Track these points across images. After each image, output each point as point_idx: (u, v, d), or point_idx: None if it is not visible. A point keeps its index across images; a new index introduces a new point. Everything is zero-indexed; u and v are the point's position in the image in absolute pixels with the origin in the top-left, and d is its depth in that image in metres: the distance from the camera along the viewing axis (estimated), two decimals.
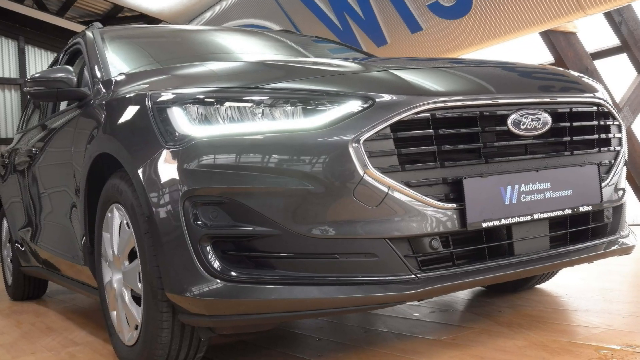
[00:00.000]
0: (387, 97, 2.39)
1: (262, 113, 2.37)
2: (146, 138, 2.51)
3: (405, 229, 2.33)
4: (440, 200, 2.38)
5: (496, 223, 2.45)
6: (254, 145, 2.33)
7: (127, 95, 2.81)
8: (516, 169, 2.53)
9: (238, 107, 2.39)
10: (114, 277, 2.89)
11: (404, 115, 2.36)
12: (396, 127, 2.36)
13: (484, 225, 2.42)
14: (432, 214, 2.35)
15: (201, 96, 2.45)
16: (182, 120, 2.43)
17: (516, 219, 2.49)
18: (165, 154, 2.43)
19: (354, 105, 2.37)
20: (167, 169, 2.41)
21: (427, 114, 2.40)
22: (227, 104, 2.40)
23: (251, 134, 2.35)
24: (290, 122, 2.37)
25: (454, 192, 2.40)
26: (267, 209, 2.30)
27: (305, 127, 2.35)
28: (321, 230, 2.30)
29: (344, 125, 2.33)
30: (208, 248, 2.34)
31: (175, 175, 2.37)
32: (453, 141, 2.45)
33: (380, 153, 2.33)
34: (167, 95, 2.54)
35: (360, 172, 2.30)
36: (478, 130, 2.47)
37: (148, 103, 2.57)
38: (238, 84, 2.57)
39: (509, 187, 2.48)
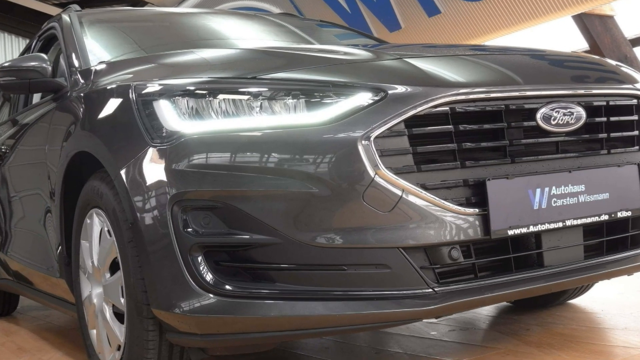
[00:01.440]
0: (401, 89, 2.39)
1: (261, 107, 2.38)
2: (130, 135, 2.52)
3: (422, 237, 2.32)
4: (460, 204, 2.37)
5: (524, 230, 2.44)
6: (251, 143, 2.33)
7: (109, 87, 2.82)
8: (546, 169, 2.53)
9: (233, 100, 2.39)
10: (93, 291, 2.90)
11: (420, 109, 2.36)
12: (411, 122, 2.36)
13: (510, 232, 2.42)
14: (452, 220, 2.35)
15: (192, 88, 2.45)
16: (170, 115, 2.43)
17: (546, 226, 2.48)
18: (151, 152, 2.43)
19: (364, 98, 2.38)
20: (154, 169, 2.41)
21: (446, 108, 2.40)
22: (220, 96, 2.40)
23: (248, 130, 2.35)
24: (292, 116, 2.37)
25: (476, 196, 2.40)
26: (266, 214, 2.30)
27: (308, 123, 2.35)
28: (327, 238, 2.30)
29: (352, 121, 2.33)
30: (199, 258, 2.34)
31: (163, 177, 2.38)
32: (475, 138, 2.45)
33: (393, 152, 2.33)
34: (153, 87, 2.54)
35: (371, 173, 2.29)
36: (503, 125, 2.47)
37: (132, 95, 2.57)
38: (233, 74, 2.58)
39: (538, 190, 2.48)
